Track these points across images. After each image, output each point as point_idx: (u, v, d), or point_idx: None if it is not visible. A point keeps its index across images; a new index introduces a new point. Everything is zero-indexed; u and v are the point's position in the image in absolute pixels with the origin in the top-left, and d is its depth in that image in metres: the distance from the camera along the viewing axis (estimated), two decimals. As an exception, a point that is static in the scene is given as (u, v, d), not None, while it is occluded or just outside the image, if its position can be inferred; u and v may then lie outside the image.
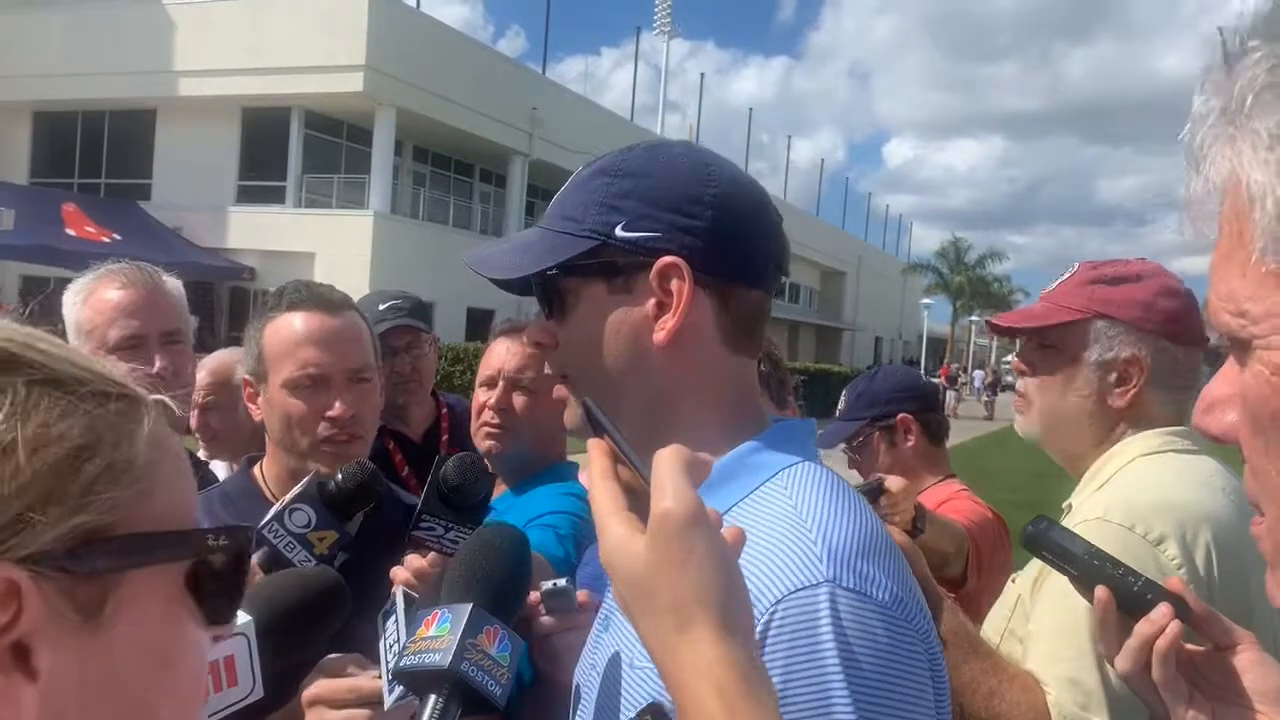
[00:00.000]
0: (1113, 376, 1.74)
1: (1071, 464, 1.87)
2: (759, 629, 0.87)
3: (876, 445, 2.81)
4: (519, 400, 2.21)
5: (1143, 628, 1.16)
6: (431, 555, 1.50)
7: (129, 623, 0.60)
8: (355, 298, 1.93)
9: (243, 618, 1.03)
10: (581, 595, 1.47)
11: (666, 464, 0.79)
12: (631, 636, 0.99)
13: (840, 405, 2.94)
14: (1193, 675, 1.15)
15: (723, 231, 1.03)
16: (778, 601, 0.89)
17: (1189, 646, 1.17)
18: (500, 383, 2.22)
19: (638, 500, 0.83)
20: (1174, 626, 1.15)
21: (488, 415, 2.23)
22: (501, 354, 2.26)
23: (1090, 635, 1.46)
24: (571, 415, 1.11)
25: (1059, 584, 1.54)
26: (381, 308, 2.98)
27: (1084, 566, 1.27)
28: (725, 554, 0.78)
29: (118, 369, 0.65)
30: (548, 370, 2.12)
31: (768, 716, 0.73)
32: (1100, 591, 1.22)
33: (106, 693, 0.59)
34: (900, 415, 2.78)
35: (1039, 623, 1.60)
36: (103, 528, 0.58)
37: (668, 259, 1.01)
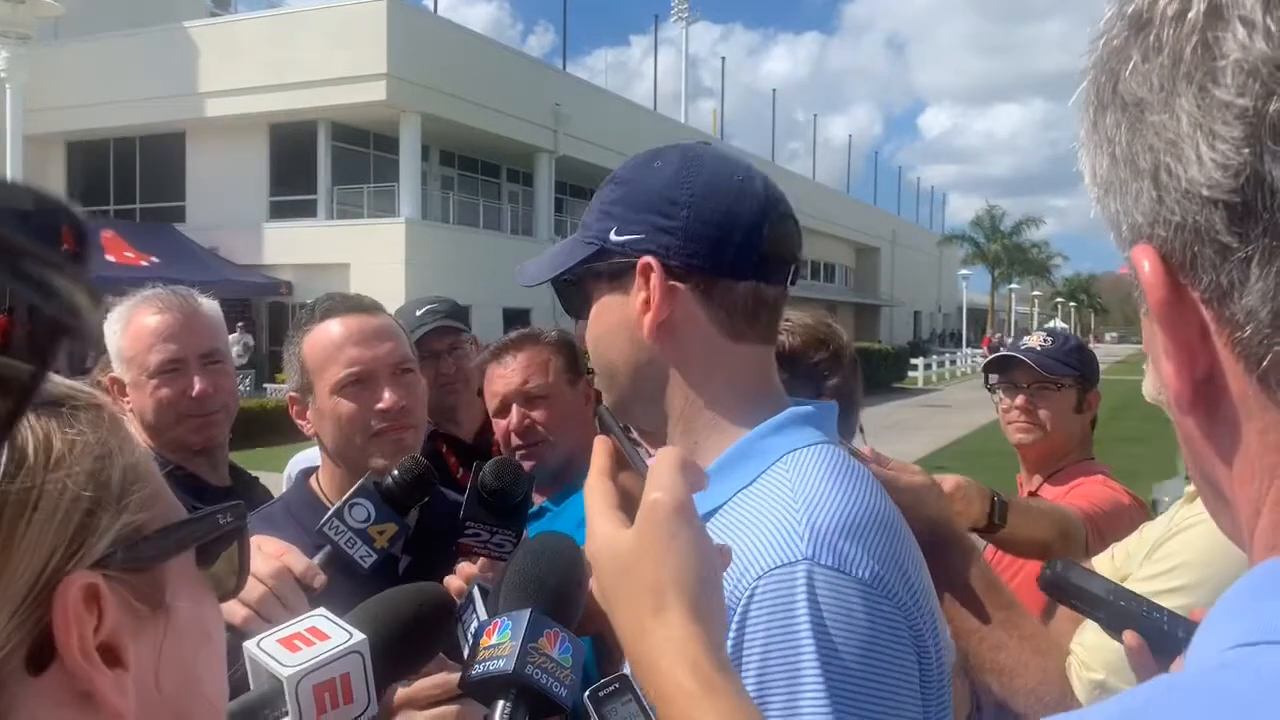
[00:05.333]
0: None
1: None
2: (741, 606, 0.94)
3: (1048, 397, 2.62)
4: (538, 413, 2.30)
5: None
6: (481, 561, 1.52)
7: (181, 605, 0.67)
8: (392, 305, 1.94)
9: (357, 635, 1.06)
10: None
11: (663, 461, 0.85)
12: None
13: (1034, 342, 2.71)
14: None
15: (698, 230, 1.09)
16: (758, 578, 0.94)
17: None
18: (512, 406, 2.31)
19: (634, 506, 0.86)
20: None
21: (515, 440, 2.31)
22: (497, 381, 2.35)
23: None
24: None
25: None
26: (419, 313, 3.02)
27: (1108, 608, 1.23)
28: (705, 547, 0.82)
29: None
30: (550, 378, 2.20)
31: (740, 692, 0.77)
32: (1129, 637, 1.17)
33: (173, 671, 0.66)
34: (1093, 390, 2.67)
35: None
36: (142, 525, 0.64)
37: (644, 259, 1.09)
